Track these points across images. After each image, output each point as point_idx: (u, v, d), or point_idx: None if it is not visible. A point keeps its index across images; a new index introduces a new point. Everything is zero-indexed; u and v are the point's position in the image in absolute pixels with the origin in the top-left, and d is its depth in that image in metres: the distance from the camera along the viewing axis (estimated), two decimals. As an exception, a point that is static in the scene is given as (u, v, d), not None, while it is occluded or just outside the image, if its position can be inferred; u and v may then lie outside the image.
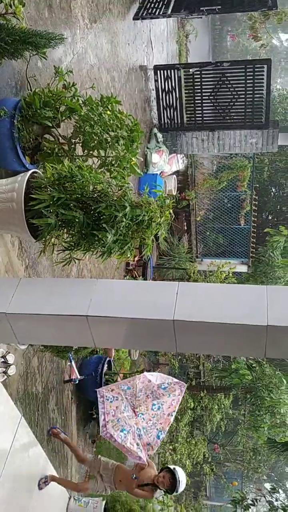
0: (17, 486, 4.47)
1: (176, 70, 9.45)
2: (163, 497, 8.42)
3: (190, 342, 2.82)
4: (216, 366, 12.15)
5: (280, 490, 11.90)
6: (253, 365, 7.72)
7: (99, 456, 5.55)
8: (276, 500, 9.94)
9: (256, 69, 9.12)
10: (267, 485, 15.99)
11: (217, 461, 14.02)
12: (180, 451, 8.64)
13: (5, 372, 3.94)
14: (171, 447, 8.74)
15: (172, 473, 4.91)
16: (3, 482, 4.14)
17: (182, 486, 4.94)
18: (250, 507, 9.28)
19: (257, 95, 9.45)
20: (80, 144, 3.87)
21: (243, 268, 12.78)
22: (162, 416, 4.85)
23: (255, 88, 9.33)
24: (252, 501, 9.96)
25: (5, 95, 3.86)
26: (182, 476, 4.92)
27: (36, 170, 3.15)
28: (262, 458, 14.10)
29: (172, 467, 5.03)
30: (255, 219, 12.65)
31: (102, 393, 5.03)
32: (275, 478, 20.95)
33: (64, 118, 3.80)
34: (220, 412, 12.01)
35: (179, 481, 4.86)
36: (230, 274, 10.60)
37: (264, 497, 10.75)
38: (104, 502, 5.98)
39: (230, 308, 2.65)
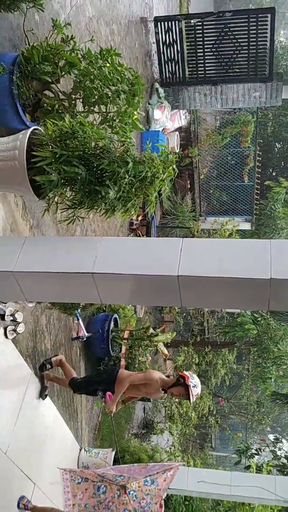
0: (29, 439, 4.64)
1: (177, 22, 9.14)
2: (170, 448, 8.74)
3: (194, 297, 2.85)
4: (220, 323, 12.34)
5: (283, 440, 12.30)
6: (258, 319, 7.83)
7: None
8: (280, 449, 10.31)
9: (259, 19, 8.81)
10: (271, 436, 16.53)
11: (222, 414, 14.43)
12: (186, 404, 8.91)
13: (14, 330, 4.03)
14: (177, 400, 9.00)
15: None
16: (16, 436, 4.31)
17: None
18: (254, 457, 9.64)
19: (261, 47, 9.16)
20: (81, 100, 3.80)
21: (246, 226, 12.76)
22: (157, 493, 4.23)
23: (259, 39, 9.04)
24: (256, 450, 10.34)
25: (3, 50, 3.76)
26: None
27: (37, 127, 3.11)
28: (266, 410, 14.50)
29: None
30: (259, 176, 12.51)
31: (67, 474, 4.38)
32: (279, 429, 21.63)
33: (63, 73, 3.71)
34: (224, 367, 12.26)
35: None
36: (234, 232, 10.60)
37: (268, 447, 11.13)
38: (113, 452, 6.23)
39: (234, 262, 2.67)
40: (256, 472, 7.63)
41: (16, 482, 4.37)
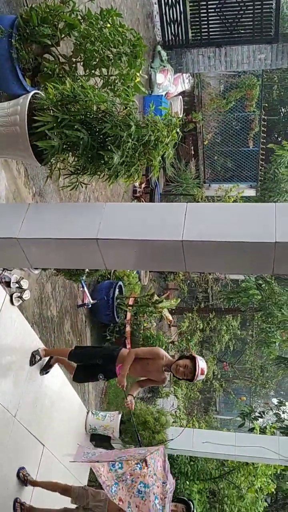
0: (37, 403, 4.76)
1: (179, -20, 8.83)
2: (175, 412, 8.94)
3: (199, 262, 2.86)
4: (224, 290, 12.42)
5: (287, 404, 12.54)
6: (262, 285, 7.87)
7: (87, 487, 4.69)
8: (283, 412, 10.51)
9: (265, -24, 8.50)
10: (274, 400, 16.86)
11: (226, 379, 14.70)
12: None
13: (20, 297, 4.07)
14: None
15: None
16: (24, 400, 4.42)
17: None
18: (258, 419, 9.84)
19: (266, 7, 8.88)
20: (81, 63, 3.71)
21: (251, 192, 12.66)
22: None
23: (264, -1, 8.74)
24: (260, 413, 10.54)
25: (0, 13, 3.67)
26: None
27: (38, 92, 3.05)
28: (270, 375, 14.75)
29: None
30: (264, 141, 12.31)
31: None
32: (282, 393, 22.03)
33: (63, 35, 3.62)
34: (228, 333, 12.42)
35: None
36: (238, 199, 10.52)
37: (271, 410, 11.36)
38: (120, 415, 6.39)
39: (238, 226, 2.66)
40: (259, 434, 7.82)
41: (26, 444, 4.51)
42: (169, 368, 4.56)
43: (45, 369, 4.86)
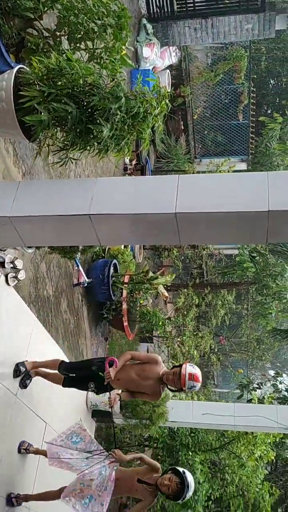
0: (38, 381, 4.78)
1: None
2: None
3: (193, 234, 2.86)
4: (218, 265, 12.47)
5: (283, 374, 12.73)
6: (256, 257, 7.90)
7: None
8: (280, 383, 10.68)
9: None
10: (271, 372, 17.10)
11: (223, 352, 14.86)
12: (187, 343, 9.14)
13: (15, 277, 4.06)
14: (179, 339, 9.24)
15: (181, 478, 4.08)
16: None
17: (189, 494, 4.13)
18: (256, 390, 10.00)
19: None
20: (66, 37, 3.64)
21: (242, 166, 12.61)
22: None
23: None
24: (258, 385, 10.71)
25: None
26: (191, 483, 4.11)
27: (23, 67, 3.00)
28: (266, 347, 14.93)
29: (181, 470, 4.18)
30: (254, 113, 12.22)
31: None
32: (278, 365, 22.35)
33: (46, 8, 3.53)
34: (224, 307, 12.50)
35: (187, 486, 4.05)
36: (230, 173, 10.48)
37: (269, 381, 11.53)
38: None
39: (231, 196, 2.66)
40: (257, 404, 7.95)
41: (28, 423, 4.56)
42: (162, 380, 4.33)
43: (22, 383, 4.42)
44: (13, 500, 4.08)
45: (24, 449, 4.34)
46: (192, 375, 4.22)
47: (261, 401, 8.48)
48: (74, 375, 4.56)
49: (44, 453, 4.29)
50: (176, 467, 4.25)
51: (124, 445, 7.41)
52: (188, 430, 7.45)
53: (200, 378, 4.29)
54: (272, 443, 7.94)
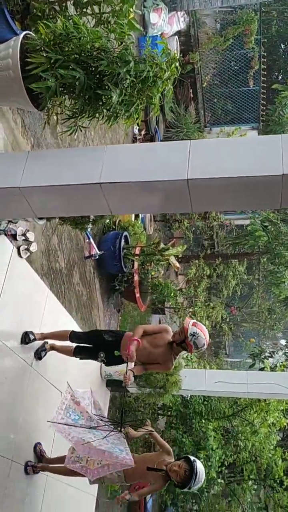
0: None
1: None
2: (187, 355, 9.13)
3: (205, 200, 2.82)
4: (229, 236, 12.39)
5: (295, 344, 12.77)
6: (268, 226, 7.84)
7: None
8: (292, 352, 10.71)
9: None
10: (283, 342, 17.16)
11: (235, 323, 14.93)
12: (199, 314, 9.19)
13: (27, 249, 4.07)
14: (191, 310, 9.28)
15: (190, 465, 4.06)
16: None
17: (197, 484, 4.10)
18: (267, 359, 10.06)
19: None
20: (72, 2, 3.54)
21: (253, 134, 12.37)
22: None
23: None
24: (270, 353, 10.77)
25: None
26: (200, 472, 4.08)
27: (29, 33, 2.93)
28: (277, 316, 14.95)
29: (192, 458, 4.14)
30: (265, 79, 11.91)
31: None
32: (290, 335, 22.42)
33: (50, -28, 3.44)
34: (235, 278, 12.48)
35: (196, 474, 4.02)
36: (241, 141, 10.29)
37: (281, 349, 11.58)
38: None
39: (244, 161, 2.60)
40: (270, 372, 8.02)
41: (44, 392, 4.64)
42: (172, 347, 4.36)
43: (37, 354, 4.47)
44: (28, 469, 4.18)
45: (39, 449, 4.39)
46: (196, 323, 4.25)
47: (273, 369, 8.55)
48: (86, 344, 4.59)
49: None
50: (189, 456, 4.24)
51: (139, 414, 7.55)
52: (201, 398, 7.55)
53: (206, 331, 4.26)
54: (285, 410, 8.05)
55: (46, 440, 4.55)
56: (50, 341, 4.62)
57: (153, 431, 4.57)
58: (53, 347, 4.63)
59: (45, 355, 4.55)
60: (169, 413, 7.99)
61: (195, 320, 4.35)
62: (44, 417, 4.32)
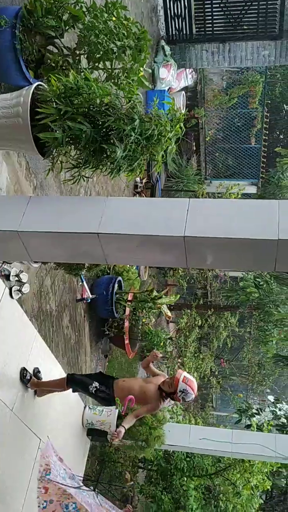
0: (35, 396, 4.74)
1: (184, -26, 8.78)
2: (172, 407, 8.93)
3: (200, 258, 2.84)
4: (223, 287, 12.39)
5: (283, 402, 12.55)
6: (260, 283, 7.86)
7: None
8: (280, 410, 10.52)
9: (271, -28, 8.45)
10: (271, 398, 16.83)
11: (223, 375, 14.70)
12: (188, 365, 9.06)
13: (19, 290, 4.05)
14: (179, 361, 9.16)
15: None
16: (22, 394, 4.41)
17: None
18: (254, 416, 9.84)
19: (271, 3, 8.83)
20: (85, 56, 3.68)
21: (252, 190, 12.62)
22: None
23: (269, -6, 8.71)
24: (257, 410, 10.55)
25: (5, 3, 3.63)
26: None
27: (41, 83, 3.02)
28: (267, 372, 14.76)
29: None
30: (266, 138, 12.28)
31: None
32: (278, 391, 22.05)
33: (67, 27, 3.59)
34: (226, 330, 12.40)
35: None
36: (239, 196, 10.48)
37: (268, 407, 11.37)
38: (117, 410, 6.37)
39: (241, 223, 2.64)
40: (256, 431, 7.82)
41: (23, 439, 4.50)
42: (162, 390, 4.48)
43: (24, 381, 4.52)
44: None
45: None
46: (186, 378, 4.33)
47: (259, 427, 8.34)
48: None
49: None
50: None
51: (118, 465, 7.30)
52: (184, 454, 7.33)
53: (195, 386, 4.34)
54: (269, 472, 7.80)
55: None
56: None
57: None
58: (38, 385, 4.63)
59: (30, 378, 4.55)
60: (149, 466, 7.73)
61: (186, 375, 4.36)
62: (23, 468, 4.17)
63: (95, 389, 4.57)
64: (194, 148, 12.18)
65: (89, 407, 6.43)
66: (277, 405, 10.95)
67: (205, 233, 2.64)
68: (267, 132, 12.29)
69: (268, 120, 12.21)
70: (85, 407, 6.40)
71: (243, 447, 6.12)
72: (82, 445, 6.35)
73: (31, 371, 4.57)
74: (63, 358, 5.51)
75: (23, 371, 4.42)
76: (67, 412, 5.81)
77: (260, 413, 10.43)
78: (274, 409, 10.52)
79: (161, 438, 5.86)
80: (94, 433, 6.45)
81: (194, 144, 12.10)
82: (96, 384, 4.57)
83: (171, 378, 4.41)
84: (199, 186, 11.18)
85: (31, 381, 4.50)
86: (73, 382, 4.71)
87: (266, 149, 12.30)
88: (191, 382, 4.32)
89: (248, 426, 8.53)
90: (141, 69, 3.61)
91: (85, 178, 3.05)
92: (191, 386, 4.28)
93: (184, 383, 4.26)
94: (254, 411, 10.16)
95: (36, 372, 4.65)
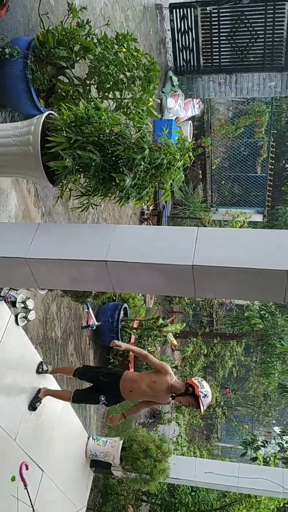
0: (38, 426, 4.65)
1: (192, 9, 9.02)
2: (177, 439, 8.75)
3: (209, 287, 2.81)
4: (229, 315, 12.29)
5: (289, 433, 12.25)
6: (265, 315, 7.78)
7: None
8: (286, 442, 10.27)
9: (276, 7, 8.64)
10: (276, 429, 16.48)
11: (229, 406, 14.44)
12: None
13: (25, 317, 4.02)
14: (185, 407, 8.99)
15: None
16: (25, 424, 4.32)
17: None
18: (260, 448, 9.62)
19: (277, 35, 9.01)
20: (95, 86, 3.74)
21: (258, 218, 12.65)
22: None
23: (275, 28, 8.88)
24: (263, 442, 10.31)
25: (18, 34, 3.71)
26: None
27: (52, 112, 3.06)
28: (273, 403, 14.48)
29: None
30: (272, 167, 12.37)
31: None
32: (284, 422, 21.60)
33: (78, 58, 3.66)
34: (232, 359, 12.23)
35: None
36: (245, 224, 10.50)
37: (274, 439, 11.11)
38: (121, 441, 6.24)
39: (250, 252, 2.61)
40: (263, 464, 7.62)
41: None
42: (173, 395, 4.38)
43: (32, 406, 4.53)
44: None
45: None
46: (208, 403, 4.30)
47: (266, 460, 8.13)
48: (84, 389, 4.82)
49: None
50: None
51: (121, 498, 7.11)
52: (189, 487, 7.13)
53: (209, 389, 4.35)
54: (275, 507, 7.56)
55: None
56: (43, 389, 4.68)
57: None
58: (47, 394, 4.67)
59: (39, 405, 4.57)
60: (153, 500, 7.52)
61: (196, 380, 4.34)
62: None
63: (104, 403, 4.58)
64: (201, 176, 12.28)
65: (93, 438, 6.30)
66: (284, 437, 10.70)
67: (214, 263, 2.61)
68: (273, 161, 12.39)
69: (274, 149, 12.32)
70: (88, 438, 6.27)
71: (250, 482, 5.94)
72: (85, 477, 6.19)
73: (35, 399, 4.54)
74: (67, 387, 5.43)
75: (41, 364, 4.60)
76: (70, 443, 5.70)
77: (266, 445, 10.19)
78: (280, 441, 10.28)
79: (166, 471, 5.71)
80: (98, 465, 6.31)
81: (200, 172, 12.20)
82: (103, 398, 4.53)
83: (189, 401, 4.31)
84: (205, 214, 11.22)
85: (42, 390, 4.61)
86: (79, 397, 4.74)
87: (272, 178, 12.38)
88: (210, 400, 4.33)
89: (254, 459, 8.32)
90: (150, 99, 3.66)
91: (93, 207, 3.06)
92: (207, 389, 4.30)
93: (207, 404, 4.27)
94: (259, 443, 9.93)
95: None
